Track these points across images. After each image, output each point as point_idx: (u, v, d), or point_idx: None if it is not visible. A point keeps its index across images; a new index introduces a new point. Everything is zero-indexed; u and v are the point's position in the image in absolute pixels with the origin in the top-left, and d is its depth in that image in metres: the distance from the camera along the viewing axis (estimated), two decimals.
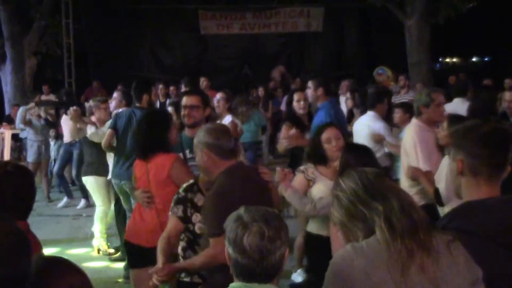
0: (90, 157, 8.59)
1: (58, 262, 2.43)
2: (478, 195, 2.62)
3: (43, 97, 17.06)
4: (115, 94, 9.13)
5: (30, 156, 12.10)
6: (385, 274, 2.27)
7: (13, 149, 12.82)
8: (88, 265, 7.57)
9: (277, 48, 25.18)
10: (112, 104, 8.90)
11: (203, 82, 12.52)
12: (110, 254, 8.43)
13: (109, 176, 7.75)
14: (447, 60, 35.15)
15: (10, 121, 15.23)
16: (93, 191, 8.63)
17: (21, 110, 12.53)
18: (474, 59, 34.91)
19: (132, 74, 21.79)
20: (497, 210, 2.56)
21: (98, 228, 8.55)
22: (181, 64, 23.56)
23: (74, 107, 8.92)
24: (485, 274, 2.38)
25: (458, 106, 8.91)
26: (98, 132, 8.15)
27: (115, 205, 8.24)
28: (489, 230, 2.51)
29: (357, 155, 4.75)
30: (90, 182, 8.59)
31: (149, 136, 5.45)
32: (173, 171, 5.26)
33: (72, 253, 8.24)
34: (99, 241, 8.53)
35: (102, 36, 22.64)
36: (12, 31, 17.67)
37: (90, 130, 8.31)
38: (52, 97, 17.58)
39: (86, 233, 9.13)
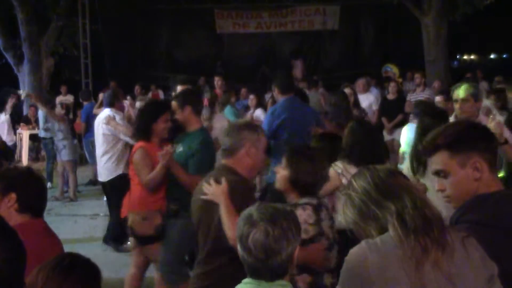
0: None
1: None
2: (492, 187, 2.62)
3: (61, 98, 17.22)
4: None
5: (69, 154, 12.14)
6: (400, 270, 2.27)
7: (31, 149, 12.90)
8: (105, 264, 7.58)
9: (293, 46, 25.16)
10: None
11: (217, 81, 12.49)
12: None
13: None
14: (465, 57, 34.93)
15: (28, 121, 15.35)
16: None
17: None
18: (492, 56, 34.67)
19: (149, 74, 21.95)
20: (509, 202, 2.58)
21: None
22: (197, 64, 23.59)
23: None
24: (499, 266, 2.37)
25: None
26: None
27: None
28: (502, 222, 2.52)
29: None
30: None
31: (136, 123, 5.90)
32: (133, 159, 5.77)
33: (89, 253, 8.27)
34: None
35: (118, 36, 22.76)
36: (29, 32, 17.78)
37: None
38: (70, 98, 17.74)
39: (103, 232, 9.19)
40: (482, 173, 2.60)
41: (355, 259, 2.34)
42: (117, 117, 8.47)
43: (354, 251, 2.37)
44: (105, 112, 8.54)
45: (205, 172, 5.30)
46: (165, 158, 5.47)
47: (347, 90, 9.53)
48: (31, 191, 3.44)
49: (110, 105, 8.71)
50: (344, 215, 2.53)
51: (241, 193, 3.63)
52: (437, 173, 2.71)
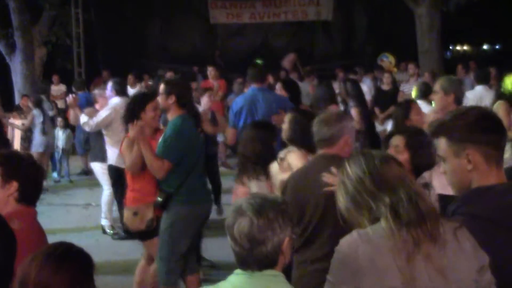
0: (95, 143, 9.00)
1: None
2: (490, 181, 2.60)
3: (53, 87, 17.16)
4: (108, 84, 9.42)
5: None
6: (390, 261, 2.27)
7: (23, 139, 12.85)
8: (97, 254, 7.58)
9: (287, 37, 25.14)
10: (107, 93, 9.17)
11: (210, 71, 12.47)
12: (116, 233, 8.84)
13: (109, 162, 8.39)
14: (458, 48, 34.96)
15: (20, 111, 15.26)
16: (102, 176, 9.02)
17: None
18: (485, 47, 34.71)
19: (142, 63, 21.90)
20: (507, 195, 2.56)
21: (104, 209, 9.02)
22: (190, 53, 23.56)
23: (73, 95, 9.39)
24: (491, 259, 2.37)
25: (482, 93, 8.97)
26: (90, 122, 8.55)
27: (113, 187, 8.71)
28: (498, 215, 2.51)
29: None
30: (97, 168, 9.09)
31: (124, 114, 5.95)
32: (121, 149, 5.94)
33: (82, 242, 8.27)
34: (105, 221, 8.99)
35: (111, 25, 22.70)
36: (21, 21, 17.64)
37: (82, 120, 8.65)
38: (62, 87, 17.67)
39: (96, 222, 9.20)
40: (475, 166, 2.59)
41: (346, 249, 2.34)
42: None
43: (345, 241, 2.37)
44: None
45: (173, 158, 5.36)
46: (134, 131, 5.50)
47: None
48: (32, 182, 3.46)
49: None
50: (337, 201, 2.53)
51: None
52: (440, 157, 2.74)
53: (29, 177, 3.43)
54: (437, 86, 6.03)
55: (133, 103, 5.99)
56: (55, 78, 17.88)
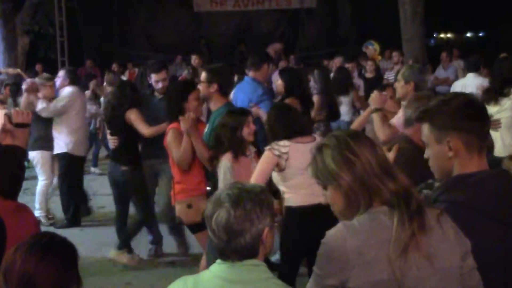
0: (37, 132, 8.75)
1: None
2: (471, 168, 2.61)
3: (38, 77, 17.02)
4: (60, 73, 9.58)
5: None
6: (379, 253, 2.26)
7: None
8: (81, 244, 7.56)
9: (271, 25, 25.12)
10: (57, 82, 9.28)
11: (195, 59, 12.46)
12: (54, 223, 8.96)
13: (55, 151, 8.67)
14: (442, 35, 35.07)
15: (2, 101, 15.14)
16: (40, 166, 8.98)
17: None
18: (468, 35, 34.85)
19: (125, 52, 21.80)
20: (488, 183, 2.57)
21: (39, 200, 8.98)
22: (174, 42, 23.47)
23: (32, 80, 9.46)
24: (473, 245, 2.39)
25: (471, 81, 9.03)
26: (50, 107, 8.64)
27: (59, 178, 8.88)
28: (480, 202, 2.52)
29: None
30: (37, 157, 8.93)
31: (167, 105, 5.99)
32: (166, 141, 5.72)
33: (66, 232, 8.26)
34: (40, 212, 8.86)
35: (95, 14, 22.53)
36: (3, 9, 17.52)
37: (41, 105, 8.64)
38: (46, 76, 17.55)
39: None
40: (456, 153, 2.60)
41: (334, 243, 2.32)
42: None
43: (332, 234, 2.35)
44: None
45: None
46: (186, 123, 5.41)
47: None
48: (9, 175, 3.44)
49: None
50: (338, 179, 2.43)
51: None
52: (424, 142, 2.75)
53: (4, 170, 3.42)
54: (398, 75, 6.21)
55: (175, 93, 5.93)
56: (38, 67, 17.78)
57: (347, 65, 11.90)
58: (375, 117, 5.69)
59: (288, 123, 5.18)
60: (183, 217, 5.78)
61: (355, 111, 10.40)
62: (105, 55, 19.78)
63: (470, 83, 8.96)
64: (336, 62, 12.72)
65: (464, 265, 2.37)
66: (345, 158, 2.41)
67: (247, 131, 5.24)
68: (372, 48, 18.16)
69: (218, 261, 2.55)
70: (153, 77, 7.11)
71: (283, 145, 5.07)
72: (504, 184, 2.60)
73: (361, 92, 11.39)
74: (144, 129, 6.71)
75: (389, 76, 12.75)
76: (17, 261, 2.40)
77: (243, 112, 5.46)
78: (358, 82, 12.08)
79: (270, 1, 23.91)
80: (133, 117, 6.80)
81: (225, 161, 5.14)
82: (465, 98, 2.70)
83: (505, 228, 2.52)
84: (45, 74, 10.16)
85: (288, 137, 5.05)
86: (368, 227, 2.31)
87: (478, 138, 2.63)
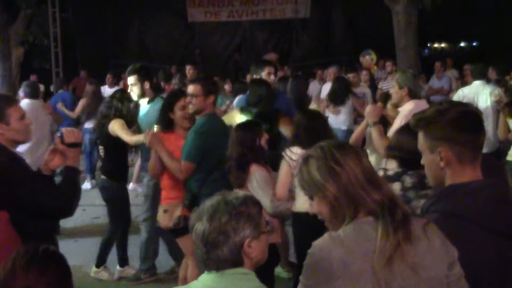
0: None
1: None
2: (463, 179, 2.62)
3: None
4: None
5: None
6: (364, 264, 2.27)
7: None
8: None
9: (265, 35, 25.17)
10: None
11: (189, 70, 12.46)
12: None
13: None
14: (436, 45, 35.14)
15: None
16: None
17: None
18: (462, 44, 34.91)
19: (120, 63, 21.78)
20: (480, 193, 2.57)
21: None
22: (169, 52, 23.51)
23: None
24: (463, 256, 2.40)
25: (478, 88, 9.06)
26: None
27: None
28: (471, 212, 2.52)
29: None
30: None
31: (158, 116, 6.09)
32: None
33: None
34: None
35: (89, 25, 22.53)
36: None
37: None
38: (40, 87, 17.50)
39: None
40: (448, 163, 2.61)
41: (319, 253, 2.33)
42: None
43: (317, 244, 2.36)
44: None
45: (191, 158, 5.38)
46: (146, 139, 5.63)
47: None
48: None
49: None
50: (324, 191, 2.44)
51: None
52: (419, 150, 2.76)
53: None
54: (393, 81, 6.37)
55: (163, 104, 6.07)
56: (33, 78, 17.74)
57: (349, 75, 12.00)
58: (373, 131, 5.77)
59: (315, 131, 5.29)
60: (160, 221, 5.90)
61: (354, 120, 10.52)
62: (100, 66, 19.75)
63: (481, 91, 9.01)
64: (331, 72, 12.73)
65: (451, 274, 2.38)
66: (330, 169, 2.43)
67: (264, 140, 5.34)
68: (369, 57, 18.22)
69: (206, 271, 2.58)
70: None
71: (295, 153, 5.17)
72: (496, 194, 2.60)
73: (369, 100, 11.54)
74: (127, 138, 6.73)
75: (383, 85, 12.76)
76: (17, 275, 2.40)
77: (257, 123, 5.55)
78: (364, 90, 12.12)
79: (264, 12, 23.95)
80: (116, 127, 6.82)
81: (257, 172, 5.18)
82: (461, 109, 2.70)
83: (496, 238, 2.52)
84: None
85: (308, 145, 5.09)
86: (353, 238, 2.32)
87: (471, 150, 2.63)
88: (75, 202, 4.10)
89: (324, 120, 5.87)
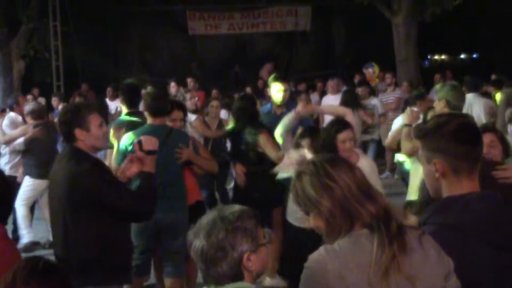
0: None
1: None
2: (460, 191, 2.61)
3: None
4: None
5: None
6: (360, 276, 2.28)
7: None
8: None
9: (265, 47, 25.24)
10: None
11: (190, 82, 12.53)
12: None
13: None
14: (436, 57, 35.20)
15: None
16: None
17: None
18: (462, 56, 34.98)
19: (121, 76, 21.84)
20: (476, 205, 2.57)
21: None
22: (169, 65, 23.57)
23: None
24: (460, 268, 2.40)
25: (471, 101, 9.07)
26: None
27: None
28: (468, 224, 2.52)
29: None
30: None
31: None
32: None
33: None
34: None
35: (90, 39, 22.60)
36: None
37: None
38: (42, 101, 17.56)
39: None
40: (443, 175, 2.62)
41: (315, 267, 2.35)
42: None
43: (313, 258, 2.37)
44: None
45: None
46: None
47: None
48: (1, 199, 3.42)
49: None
50: (319, 206, 2.45)
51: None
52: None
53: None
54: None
55: None
56: (35, 91, 17.79)
57: (358, 89, 12.14)
58: (403, 131, 5.99)
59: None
60: None
61: (364, 131, 10.68)
62: (100, 79, 19.79)
63: (474, 104, 9.03)
64: (331, 84, 12.76)
65: (447, 285, 2.38)
66: (324, 184, 2.43)
67: None
68: (371, 70, 18.25)
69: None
70: None
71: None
72: (492, 207, 2.61)
73: (380, 110, 11.65)
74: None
75: (382, 97, 12.79)
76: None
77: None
78: (373, 101, 12.17)
79: (264, 24, 24.03)
80: None
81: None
82: (460, 121, 2.70)
83: (493, 250, 2.52)
84: None
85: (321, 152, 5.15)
86: (349, 250, 2.33)
87: (467, 162, 2.63)
88: (154, 207, 4.35)
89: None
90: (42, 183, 8.37)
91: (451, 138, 2.61)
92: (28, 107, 9.06)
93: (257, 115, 6.87)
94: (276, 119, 6.62)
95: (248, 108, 6.85)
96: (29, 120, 8.81)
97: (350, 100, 10.80)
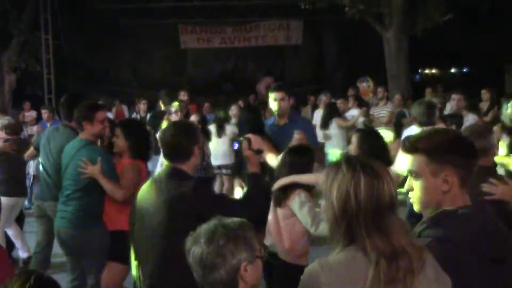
0: None
1: None
2: (462, 203, 2.63)
3: (26, 114, 17.00)
4: None
5: None
6: None
7: None
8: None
9: (257, 61, 25.32)
10: None
11: (183, 96, 12.51)
12: None
13: None
14: (427, 71, 35.41)
15: None
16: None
17: None
18: (452, 70, 35.22)
19: (113, 89, 21.88)
20: (472, 219, 2.58)
21: None
22: (161, 79, 23.60)
23: None
24: (456, 282, 2.40)
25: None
26: None
27: None
28: (464, 238, 2.53)
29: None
30: None
31: None
32: None
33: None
34: None
35: (82, 52, 22.64)
36: None
37: None
38: (33, 114, 17.53)
39: None
40: (451, 187, 2.61)
41: (308, 279, 2.36)
42: None
43: (308, 270, 2.38)
44: None
45: None
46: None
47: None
48: None
49: None
50: (326, 211, 2.42)
51: None
52: (410, 172, 2.70)
53: None
54: None
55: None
56: (26, 104, 17.75)
57: (338, 101, 12.77)
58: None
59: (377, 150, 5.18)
60: None
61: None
62: (92, 92, 19.78)
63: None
64: (325, 100, 12.88)
65: None
66: (347, 192, 2.34)
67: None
68: (366, 84, 18.33)
69: None
70: None
71: None
72: (488, 220, 2.63)
73: (358, 120, 11.91)
74: None
75: (374, 111, 12.82)
76: None
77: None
78: (353, 112, 12.37)
79: (256, 38, 24.13)
80: None
81: (300, 195, 4.95)
82: (455, 133, 2.77)
83: (490, 264, 2.53)
84: None
85: None
86: (343, 264, 2.32)
87: (469, 174, 2.66)
88: (268, 207, 4.36)
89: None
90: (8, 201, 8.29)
91: (457, 150, 2.63)
92: (3, 121, 8.96)
93: (261, 127, 6.73)
94: (279, 130, 6.51)
95: (252, 119, 6.77)
96: (2, 134, 8.67)
97: (326, 113, 11.74)
